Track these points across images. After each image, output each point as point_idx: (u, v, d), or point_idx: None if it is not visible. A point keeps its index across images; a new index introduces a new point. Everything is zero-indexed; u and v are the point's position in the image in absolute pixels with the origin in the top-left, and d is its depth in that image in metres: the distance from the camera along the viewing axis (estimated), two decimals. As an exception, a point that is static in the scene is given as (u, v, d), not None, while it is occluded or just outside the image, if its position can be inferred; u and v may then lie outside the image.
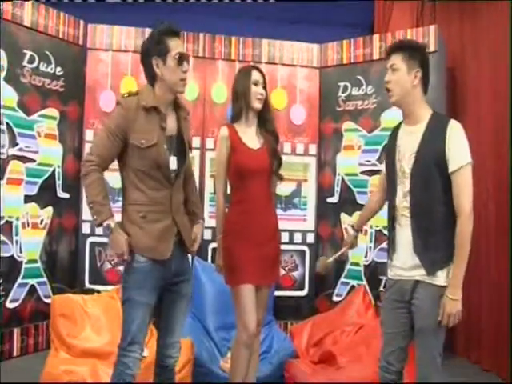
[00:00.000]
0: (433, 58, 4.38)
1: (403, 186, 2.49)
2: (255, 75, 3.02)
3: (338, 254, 3.01)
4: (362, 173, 4.79)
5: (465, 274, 4.60)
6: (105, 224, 2.38)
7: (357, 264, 4.77)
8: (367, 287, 4.62)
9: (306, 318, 4.48)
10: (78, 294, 3.97)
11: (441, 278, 2.42)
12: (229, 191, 3.08)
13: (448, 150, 2.38)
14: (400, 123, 2.63)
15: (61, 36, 4.53)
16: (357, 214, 4.74)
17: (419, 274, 2.44)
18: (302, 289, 4.98)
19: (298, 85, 5.07)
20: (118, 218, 2.47)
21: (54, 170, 4.47)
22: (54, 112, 4.47)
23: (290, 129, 4.98)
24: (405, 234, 2.48)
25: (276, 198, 4.63)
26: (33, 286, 4.29)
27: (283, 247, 4.67)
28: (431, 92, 4.35)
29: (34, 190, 4.30)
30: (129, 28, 4.78)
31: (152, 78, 2.52)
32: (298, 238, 4.96)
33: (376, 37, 4.92)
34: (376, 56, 4.81)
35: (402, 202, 2.49)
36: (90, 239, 4.62)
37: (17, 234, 4.17)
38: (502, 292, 4.29)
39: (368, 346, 3.69)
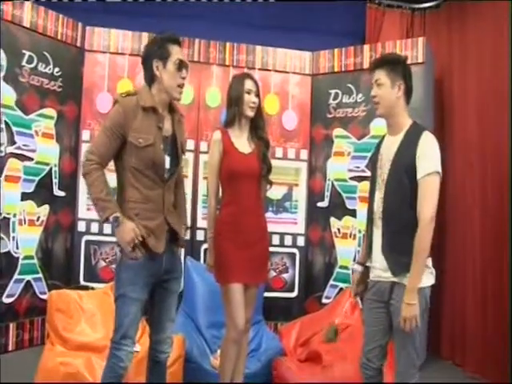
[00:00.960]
0: (421, 69, 4.57)
1: (380, 192, 2.63)
2: (248, 84, 3.13)
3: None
4: (351, 178, 4.89)
5: (450, 277, 4.75)
6: (113, 216, 2.45)
7: (345, 267, 4.86)
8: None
9: (296, 318, 4.54)
10: (74, 289, 4.03)
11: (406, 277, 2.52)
12: (220, 194, 3.18)
13: (417, 158, 2.50)
14: (385, 134, 2.78)
15: (59, 37, 4.59)
16: (346, 218, 4.89)
17: (389, 274, 2.55)
18: (292, 290, 5.05)
19: (290, 91, 5.16)
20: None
21: (50, 169, 4.52)
22: (51, 112, 4.53)
23: (282, 134, 5.08)
24: (379, 237, 2.62)
25: (267, 202, 4.78)
26: (29, 281, 4.35)
27: (274, 249, 4.81)
28: (419, 102, 4.56)
29: (31, 188, 4.36)
30: (126, 31, 4.86)
31: (150, 79, 2.62)
32: (288, 240, 5.05)
33: (366, 47, 5.02)
34: (366, 65, 4.87)
35: (378, 206, 2.63)
36: (86, 237, 4.68)
37: (14, 231, 4.22)
38: (487, 296, 4.37)
39: (353, 345, 3.74)
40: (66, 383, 3.24)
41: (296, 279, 5.07)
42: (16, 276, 4.25)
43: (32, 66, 4.38)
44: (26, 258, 4.33)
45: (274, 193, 4.87)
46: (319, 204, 5.08)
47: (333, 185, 4.98)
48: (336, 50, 5.12)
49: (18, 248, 4.27)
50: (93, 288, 4.22)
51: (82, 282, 4.58)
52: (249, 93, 3.12)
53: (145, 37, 4.83)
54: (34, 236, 4.40)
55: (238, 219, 3.07)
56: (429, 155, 2.52)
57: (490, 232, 4.42)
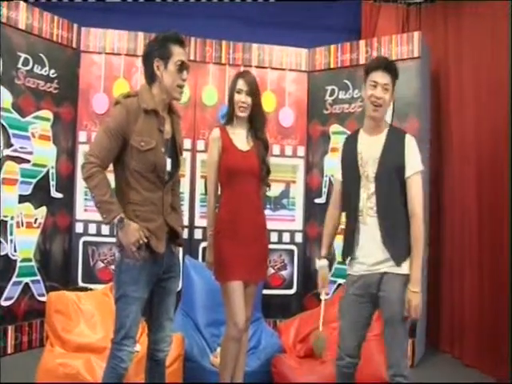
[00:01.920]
0: (417, 64, 4.58)
1: (367, 189, 2.73)
2: (239, 83, 3.12)
3: (323, 300, 3.20)
4: (349, 174, 4.87)
5: (448, 270, 4.82)
6: (117, 218, 2.44)
7: (343, 263, 4.83)
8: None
9: (295, 315, 4.53)
10: (73, 291, 4.04)
11: (404, 267, 2.66)
12: (219, 191, 3.19)
13: (406, 158, 2.69)
14: (355, 133, 2.91)
15: (55, 39, 4.58)
16: (344, 214, 4.86)
17: (386, 266, 2.67)
18: (290, 287, 5.07)
19: (286, 88, 5.16)
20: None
21: (47, 171, 4.52)
22: (47, 114, 4.53)
23: (279, 131, 5.08)
24: (371, 232, 2.71)
25: (265, 199, 4.76)
26: (27, 284, 4.35)
27: (272, 247, 4.79)
28: (416, 97, 4.58)
29: (28, 190, 4.36)
30: (121, 32, 4.85)
31: (151, 78, 2.61)
32: (286, 237, 5.06)
33: (362, 42, 5.01)
34: (362, 61, 4.88)
35: (367, 203, 2.73)
36: (83, 238, 4.68)
37: (11, 233, 4.22)
38: (485, 288, 4.39)
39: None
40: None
41: (294, 276, 5.09)
42: (14, 279, 4.26)
43: (28, 68, 4.38)
44: (23, 260, 4.34)
45: (272, 190, 4.75)
46: (317, 200, 5.08)
47: (330, 181, 4.95)
48: (332, 47, 5.12)
49: (15, 251, 4.27)
50: (91, 289, 4.21)
51: (81, 284, 4.58)
52: (239, 92, 3.11)
53: (141, 36, 4.83)
54: (31, 238, 4.41)
55: (237, 217, 3.07)
56: (415, 155, 2.72)
57: (488, 226, 4.43)
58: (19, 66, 4.31)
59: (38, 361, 3.43)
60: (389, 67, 2.76)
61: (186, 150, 4.76)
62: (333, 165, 4.95)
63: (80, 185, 4.65)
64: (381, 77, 2.73)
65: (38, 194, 4.44)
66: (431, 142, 4.96)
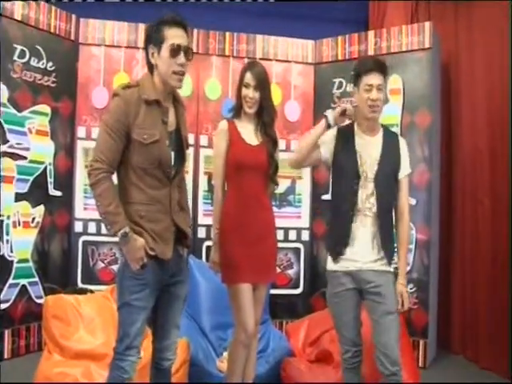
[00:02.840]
0: (428, 55, 4.53)
1: (366, 189, 2.77)
2: (247, 77, 2.97)
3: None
4: (357, 169, 4.75)
5: (459, 270, 4.80)
6: (121, 233, 2.28)
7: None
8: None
9: (302, 316, 4.45)
10: (71, 293, 3.88)
11: (393, 265, 2.81)
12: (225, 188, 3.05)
13: (401, 161, 2.84)
14: (349, 129, 2.88)
15: (52, 30, 4.44)
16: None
17: (379, 264, 2.76)
18: (297, 287, 4.96)
19: (292, 81, 5.04)
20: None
21: (45, 168, 4.39)
22: (45, 108, 4.39)
23: (285, 125, 4.93)
24: (367, 231, 2.77)
25: (272, 198, 4.63)
26: (24, 286, 4.22)
27: (278, 245, 4.65)
28: (426, 88, 4.49)
29: (25, 188, 4.22)
30: (121, 23, 4.71)
31: (150, 67, 2.44)
32: (292, 235, 4.94)
33: (371, 33, 4.89)
34: (371, 52, 4.77)
35: (365, 203, 2.76)
36: (83, 238, 4.55)
37: (8, 233, 4.09)
38: (498, 289, 4.29)
39: (366, 343, 3.65)
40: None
41: (301, 275, 4.98)
42: (10, 281, 4.12)
43: (24, 60, 4.23)
44: (20, 261, 4.19)
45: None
46: (324, 197, 4.93)
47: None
48: (340, 38, 5.00)
49: (12, 251, 4.12)
50: (91, 291, 4.08)
51: (80, 285, 4.45)
52: (246, 86, 2.96)
53: (141, 28, 4.66)
54: (28, 238, 4.27)
55: (244, 215, 2.93)
56: (407, 157, 2.88)
57: (501, 222, 4.32)
58: (15, 58, 4.17)
59: (36, 366, 3.30)
60: (381, 68, 2.79)
61: (189, 145, 4.61)
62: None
63: (79, 182, 4.52)
64: (375, 79, 2.75)
65: (36, 192, 4.30)
66: (442, 134, 4.86)
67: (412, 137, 4.44)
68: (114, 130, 2.31)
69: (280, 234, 4.78)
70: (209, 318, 4.02)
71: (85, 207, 4.51)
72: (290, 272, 4.94)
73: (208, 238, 4.62)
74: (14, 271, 4.14)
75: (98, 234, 4.54)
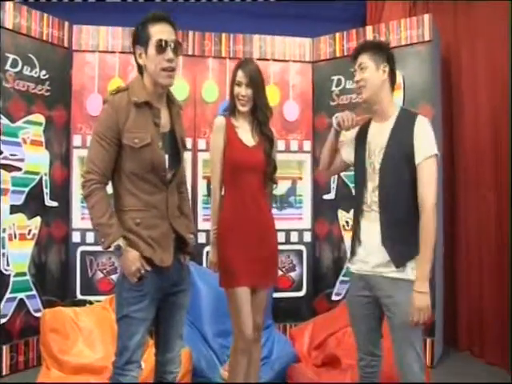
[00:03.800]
0: (428, 48, 4.45)
1: (373, 182, 2.53)
2: (238, 75, 2.94)
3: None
4: (359, 168, 4.68)
5: (465, 266, 4.72)
6: (114, 245, 2.23)
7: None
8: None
9: (305, 319, 4.40)
10: (69, 306, 3.82)
11: (409, 271, 2.43)
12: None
13: (415, 143, 2.44)
14: (369, 121, 2.69)
15: (45, 38, 4.38)
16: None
17: (389, 270, 2.45)
18: (300, 289, 4.88)
19: (290, 80, 4.96)
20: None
21: (41, 178, 4.31)
22: (39, 118, 4.32)
23: (284, 126, 4.87)
24: (373, 228, 2.50)
25: (272, 197, 4.55)
26: (22, 300, 4.13)
27: (280, 247, 4.53)
28: (427, 82, 4.41)
29: (20, 200, 4.15)
30: (115, 28, 4.65)
31: (139, 68, 2.38)
32: (294, 237, 4.86)
33: (369, 28, 4.82)
34: (369, 47, 4.69)
35: (371, 196, 2.53)
36: (81, 248, 4.47)
37: (3, 247, 4.01)
38: (504, 285, 4.25)
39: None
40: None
41: (304, 277, 4.90)
42: (8, 295, 4.03)
43: (17, 69, 4.17)
44: (17, 274, 4.11)
45: (277, 188, 4.61)
46: (325, 197, 4.88)
47: (339, 175, 4.71)
48: (337, 34, 4.94)
49: (8, 265, 4.05)
50: (91, 302, 4.01)
51: (79, 296, 4.37)
52: (238, 85, 2.92)
53: (136, 34, 4.60)
54: (25, 251, 4.18)
55: (241, 217, 2.87)
56: (426, 139, 2.46)
57: (506, 216, 4.27)
58: (7, 67, 4.10)
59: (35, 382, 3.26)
60: (360, 49, 2.62)
61: (187, 149, 4.53)
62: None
63: (76, 192, 4.44)
64: (358, 60, 2.60)
65: (31, 204, 4.23)
66: (443, 127, 4.79)
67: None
68: (104, 139, 2.26)
69: (282, 236, 4.69)
70: (211, 325, 3.97)
71: (82, 217, 4.44)
72: (293, 274, 4.86)
73: (208, 243, 4.54)
74: (11, 285, 4.06)
75: (96, 243, 4.40)
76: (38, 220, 4.28)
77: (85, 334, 3.55)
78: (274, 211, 4.59)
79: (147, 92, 2.33)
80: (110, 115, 2.28)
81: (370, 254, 2.52)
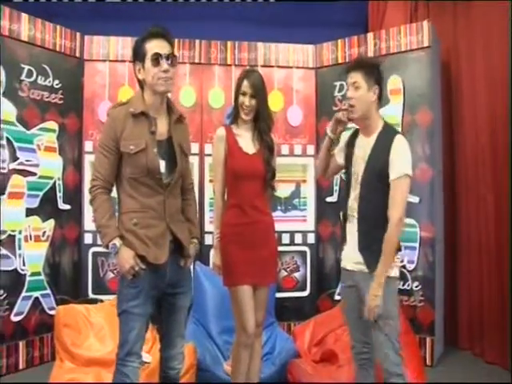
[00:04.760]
0: (427, 54, 4.52)
1: (355, 191, 2.76)
2: (243, 85, 3.03)
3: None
4: (360, 171, 4.78)
5: (465, 265, 4.80)
6: (110, 245, 2.41)
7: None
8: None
9: (309, 318, 4.47)
10: (82, 303, 4.00)
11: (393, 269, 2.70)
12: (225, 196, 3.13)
13: (390, 162, 2.63)
14: (357, 132, 2.88)
15: (58, 49, 4.55)
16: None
17: (362, 268, 2.71)
18: (303, 289, 4.99)
19: (294, 86, 5.08)
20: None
21: (54, 183, 4.48)
22: (53, 125, 4.49)
23: (288, 130, 4.99)
24: (352, 231, 2.76)
25: (275, 200, 4.69)
26: (37, 298, 4.30)
27: (284, 249, 4.75)
28: (427, 87, 4.50)
29: (35, 203, 4.32)
30: (125, 38, 4.79)
31: (139, 83, 2.56)
32: (298, 238, 4.97)
33: (370, 35, 4.91)
34: (371, 54, 4.79)
35: (353, 203, 2.76)
36: (93, 249, 4.63)
37: (20, 248, 4.18)
38: (504, 285, 4.27)
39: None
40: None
41: (308, 277, 5.01)
42: (24, 293, 4.21)
43: (31, 79, 4.34)
44: (33, 274, 4.29)
45: (282, 191, 4.82)
46: (328, 199, 4.99)
47: (342, 179, 4.80)
48: (339, 41, 5.04)
49: (24, 265, 4.22)
50: (102, 301, 4.17)
51: (91, 295, 4.54)
52: (243, 94, 3.03)
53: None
54: (40, 252, 4.36)
55: (242, 220, 3.01)
56: (401, 159, 2.64)
57: (505, 217, 4.30)
58: (23, 77, 4.28)
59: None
60: (356, 66, 2.75)
61: (194, 154, 4.69)
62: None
63: (88, 195, 4.52)
64: (350, 77, 2.74)
65: (46, 207, 4.40)
66: (443, 132, 4.87)
67: (414, 136, 4.45)
68: (106, 148, 2.47)
69: (286, 238, 4.87)
70: (216, 322, 4.10)
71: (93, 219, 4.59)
72: (297, 275, 4.97)
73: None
74: (26, 284, 4.23)
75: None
76: (51, 222, 4.45)
77: (96, 329, 3.71)
78: (279, 213, 4.78)
79: (145, 104, 2.52)
80: (109, 126, 2.50)
81: (352, 253, 2.77)
